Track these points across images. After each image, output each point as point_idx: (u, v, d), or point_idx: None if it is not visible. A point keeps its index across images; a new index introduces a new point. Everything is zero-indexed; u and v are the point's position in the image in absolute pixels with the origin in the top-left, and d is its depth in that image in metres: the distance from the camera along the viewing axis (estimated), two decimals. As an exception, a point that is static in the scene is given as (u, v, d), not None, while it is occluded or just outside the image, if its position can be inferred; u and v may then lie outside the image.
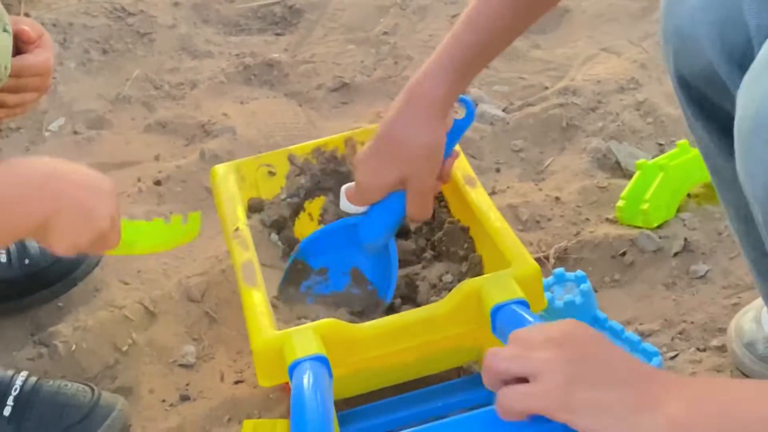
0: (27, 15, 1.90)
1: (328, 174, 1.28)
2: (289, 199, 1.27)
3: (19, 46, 1.08)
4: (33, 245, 1.32)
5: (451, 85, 1.07)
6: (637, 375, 0.70)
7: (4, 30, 0.96)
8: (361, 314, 1.13)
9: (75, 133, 1.69)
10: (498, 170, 1.52)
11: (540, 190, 1.46)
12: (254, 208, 1.26)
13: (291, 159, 1.28)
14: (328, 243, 1.18)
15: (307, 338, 0.96)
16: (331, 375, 0.94)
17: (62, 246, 0.91)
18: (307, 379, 0.89)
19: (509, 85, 1.71)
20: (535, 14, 1.10)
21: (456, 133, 1.11)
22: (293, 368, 0.93)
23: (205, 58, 1.88)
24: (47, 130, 1.70)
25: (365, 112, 1.70)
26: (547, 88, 1.68)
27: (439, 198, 1.21)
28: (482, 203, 1.11)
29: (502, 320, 0.93)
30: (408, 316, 1.01)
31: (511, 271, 1.00)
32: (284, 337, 0.97)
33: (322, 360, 0.93)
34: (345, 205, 1.14)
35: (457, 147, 1.14)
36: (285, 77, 1.82)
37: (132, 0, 2.04)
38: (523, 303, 0.94)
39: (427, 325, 1.00)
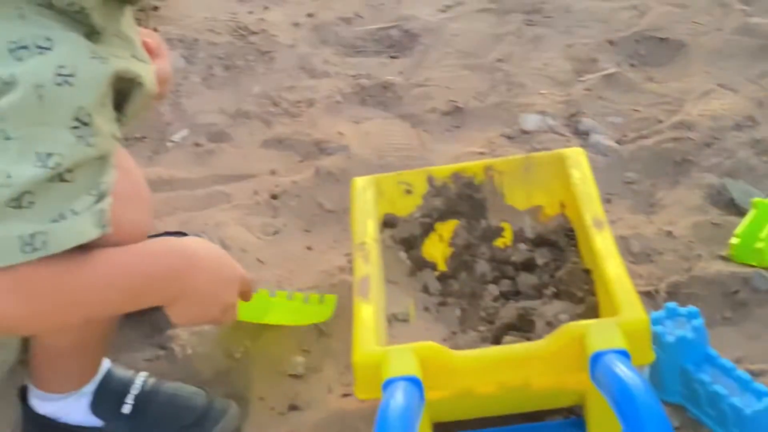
0: (156, 30, 1.97)
1: (463, 199, 1.31)
2: (422, 219, 1.30)
3: None
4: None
5: None
6: None
7: (142, 60, 1.01)
8: None
9: (196, 145, 1.75)
10: (609, 201, 1.53)
11: (651, 223, 1.46)
12: (388, 223, 1.30)
13: (429, 180, 1.31)
14: None
15: (404, 358, 0.98)
16: (423, 397, 0.95)
17: (178, 321, 1.05)
18: (396, 399, 0.92)
19: (623, 116, 1.71)
20: None
21: None
22: (386, 386, 0.95)
23: (323, 77, 1.93)
24: (170, 141, 1.77)
25: (477, 137, 1.72)
26: (661, 121, 1.68)
27: (570, 236, 1.22)
28: (605, 247, 1.10)
29: (600, 368, 0.92)
30: (507, 350, 1.02)
31: (618, 319, 0.99)
32: (383, 354, 0.99)
33: (415, 381, 0.95)
34: None
35: (589, 178, 1.14)
36: (399, 99, 1.85)
37: (255, 19, 2.10)
38: (624, 353, 0.92)
39: (525, 361, 0.99)
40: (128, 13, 1.01)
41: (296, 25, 2.10)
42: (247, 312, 1.24)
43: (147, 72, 0.99)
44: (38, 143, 0.86)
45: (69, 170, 0.88)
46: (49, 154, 0.86)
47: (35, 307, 0.90)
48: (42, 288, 0.89)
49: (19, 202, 0.85)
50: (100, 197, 0.90)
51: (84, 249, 0.90)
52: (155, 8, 2.01)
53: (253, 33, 2.05)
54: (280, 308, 1.32)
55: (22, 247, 0.86)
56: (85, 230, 0.89)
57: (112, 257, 0.94)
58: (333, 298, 1.34)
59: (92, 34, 0.92)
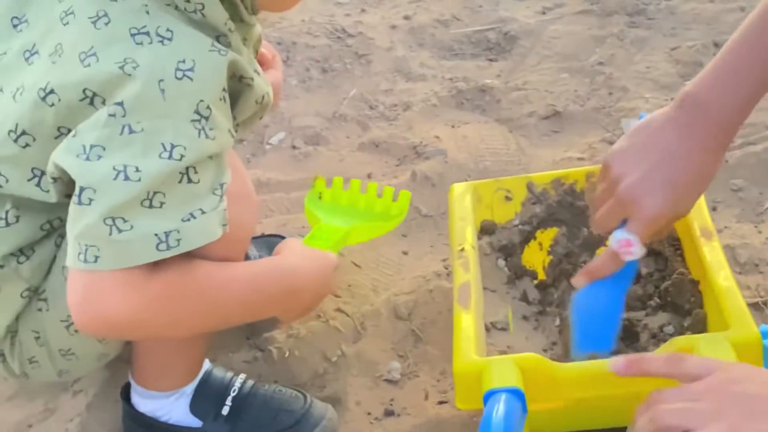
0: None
1: (564, 206, 1.28)
2: (521, 226, 1.28)
3: None
4: (253, 254, 1.38)
5: (746, 101, 0.93)
6: None
7: (257, 72, 1.03)
8: None
9: (293, 147, 1.76)
10: (715, 209, 1.48)
11: (759, 232, 1.41)
12: (486, 230, 1.28)
13: (529, 186, 1.29)
14: None
15: (506, 369, 0.97)
16: (525, 409, 0.94)
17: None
18: (497, 410, 0.91)
19: (729, 122, 1.66)
20: None
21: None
22: (488, 396, 0.94)
23: (419, 80, 1.92)
24: (268, 144, 1.78)
25: (577, 142, 1.69)
26: (771, 127, 1.63)
27: (675, 246, 1.19)
28: (714, 258, 1.07)
29: None
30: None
31: (728, 334, 0.96)
32: (485, 364, 0.98)
33: (517, 393, 0.94)
34: (635, 252, 1.01)
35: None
36: (497, 103, 1.83)
37: (352, 22, 2.11)
38: None
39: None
40: (254, 32, 1.04)
41: (393, 27, 2.10)
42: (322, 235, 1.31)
43: (259, 80, 1.01)
44: (162, 136, 0.89)
45: (194, 169, 0.90)
46: (174, 146, 0.89)
47: (178, 312, 0.95)
48: (186, 293, 0.94)
49: (151, 201, 0.88)
50: (222, 197, 0.93)
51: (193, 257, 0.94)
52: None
53: (350, 35, 2.05)
54: (355, 215, 1.37)
55: (158, 244, 0.89)
56: (213, 229, 0.92)
57: (242, 270, 1.02)
58: (407, 195, 1.39)
59: (216, 36, 0.94)
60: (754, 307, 1.27)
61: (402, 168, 1.68)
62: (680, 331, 1.09)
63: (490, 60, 1.98)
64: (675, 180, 0.95)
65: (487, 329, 1.18)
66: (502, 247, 1.28)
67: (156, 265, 0.91)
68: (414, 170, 1.62)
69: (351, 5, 2.22)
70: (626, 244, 0.99)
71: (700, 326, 1.08)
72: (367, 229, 1.38)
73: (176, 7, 0.92)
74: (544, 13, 2.09)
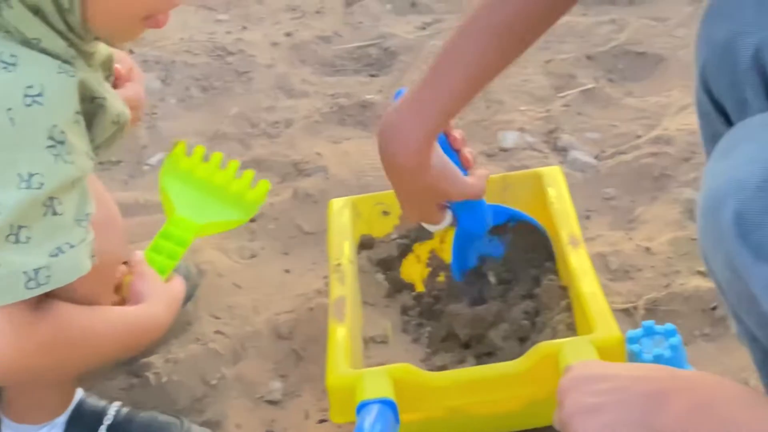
0: (131, 52, 1.97)
1: None
2: (399, 240, 1.29)
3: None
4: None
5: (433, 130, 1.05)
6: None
7: (108, 92, 1.01)
8: None
9: (173, 168, 1.74)
10: (588, 217, 1.52)
11: (630, 239, 1.45)
12: (365, 245, 1.29)
13: None
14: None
15: (378, 380, 0.98)
16: (397, 420, 0.95)
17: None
18: (369, 421, 0.91)
19: (601, 132, 1.70)
20: (519, 51, 1.10)
21: None
22: (360, 408, 0.95)
23: (301, 97, 1.92)
24: (146, 165, 1.76)
25: (456, 155, 1.71)
26: (639, 136, 1.67)
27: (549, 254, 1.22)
28: (581, 265, 1.10)
29: None
30: (482, 370, 1.02)
31: (592, 337, 0.99)
32: (357, 377, 0.99)
33: (389, 404, 0.95)
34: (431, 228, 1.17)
35: (565, 194, 1.22)
36: (378, 118, 1.84)
37: (232, 39, 2.10)
38: None
39: (501, 382, 1.00)
40: (96, 56, 1.01)
41: (274, 44, 2.10)
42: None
43: (112, 100, 0.99)
44: (17, 166, 0.87)
45: (58, 200, 0.89)
46: (31, 175, 0.87)
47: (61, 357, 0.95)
48: (70, 337, 0.94)
49: (17, 236, 0.86)
50: (88, 228, 0.92)
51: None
52: (130, 51, 1.99)
53: (231, 53, 2.04)
54: (209, 191, 1.32)
55: (27, 282, 0.87)
56: (83, 263, 0.91)
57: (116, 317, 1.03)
58: (266, 183, 1.35)
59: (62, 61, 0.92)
60: (624, 312, 1.30)
61: (284, 185, 1.67)
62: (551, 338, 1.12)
63: (372, 76, 2.00)
64: None
65: (367, 343, 1.19)
66: (381, 261, 1.29)
67: (37, 308, 0.91)
68: (296, 188, 1.62)
69: (232, 22, 2.21)
70: None
71: (568, 331, 1.11)
72: (221, 225, 1.32)
73: (14, 37, 0.90)
74: (424, 28, 2.11)
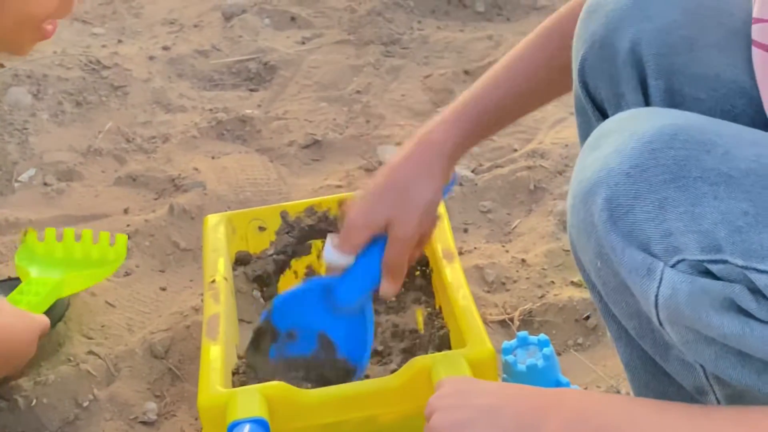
0: (1, 66, 1.90)
1: (318, 234, 1.28)
2: (275, 256, 1.27)
3: None
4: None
5: (464, 139, 1.05)
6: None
7: None
8: (329, 383, 1.10)
9: (45, 184, 1.69)
10: (466, 231, 1.54)
11: (507, 251, 1.47)
12: (241, 261, 1.27)
13: (283, 216, 1.29)
14: (299, 304, 1.12)
15: (251, 399, 0.96)
16: None
17: None
18: None
19: (479, 146, 1.72)
20: (568, 84, 1.04)
21: None
22: (232, 428, 0.93)
23: (178, 112, 1.89)
24: (17, 181, 1.70)
25: (336, 170, 1.71)
26: (515, 150, 1.70)
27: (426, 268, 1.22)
28: (455, 279, 1.11)
29: None
30: (356, 387, 1.01)
31: (464, 351, 0.99)
32: (229, 396, 0.97)
33: (262, 423, 0.93)
34: (328, 254, 1.07)
35: (442, 211, 1.14)
36: (257, 133, 1.83)
37: (108, 53, 2.05)
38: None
39: (374, 397, 0.99)
40: None
41: (151, 58, 2.06)
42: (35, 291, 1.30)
43: None
44: None
45: None
46: None
47: None
48: None
49: None
50: None
51: None
52: (0, 65, 1.93)
53: (106, 67, 2.00)
54: (71, 265, 1.36)
55: None
56: None
57: None
58: (123, 238, 1.40)
59: None
60: (501, 324, 1.32)
61: (160, 202, 1.64)
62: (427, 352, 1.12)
63: (251, 90, 1.98)
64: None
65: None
66: (257, 277, 1.28)
67: None
68: (172, 203, 1.59)
69: (107, 36, 2.16)
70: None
71: (443, 345, 1.11)
72: (82, 277, 1.36)
73: None
74: (303, 43, 2.11)
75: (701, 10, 0.88)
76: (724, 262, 0.71)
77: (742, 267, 0.71)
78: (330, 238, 1.07)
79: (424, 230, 1.07)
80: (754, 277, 0.71)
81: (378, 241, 1.05)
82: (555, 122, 1.77)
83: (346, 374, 1.09)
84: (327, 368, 1.10)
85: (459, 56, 2.01)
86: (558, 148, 1.67)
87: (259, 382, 1.05)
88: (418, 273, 1.22)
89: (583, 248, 0.80)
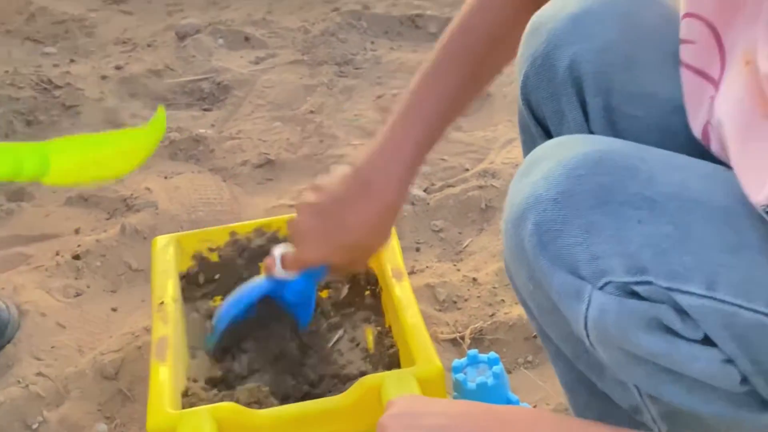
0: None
1: (267, 254, 1.28)
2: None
3: None
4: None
5: (415, 167, 1.03)
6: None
7: None
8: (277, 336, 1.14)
9: (-5, 204, 1.68)
10: (418, 249, 1.55)
11: (458, 270, 1.48)
12: (189, 281, 1.26)
13: (232, 236, 1.29)
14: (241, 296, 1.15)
15: (200, 420, 0.96)
16: None
17: None
18: None
19: (431, 165, 1.74)
20: (488, 78, 1.07)
21: None
22: None
23: (131, 132, 1.89)
24: (-34, 201, 1.69)
25: (289, 189, 1.71)
26: (467, 169, 1.72)
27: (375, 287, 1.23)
28: (404, 298, 1.11)
29: None
30: (307, 406, 1.01)
31: (414, 369, 1.00)
32: (179, 418, 0.97)
33: None
34: (275, 269, 1.08)
35: (393, 231, 1.16)
36: (211, 153, 1.83)
37: (59, 73, 2.04)
38: None
39: (326, 417, 0.99)
40: None
41: (104, 77, 2.06)
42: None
43: None
44: None
45: None
46: None
47: None
48: None
49: None
50: None
51: None
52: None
53: (58, 87, 1.99)
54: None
55: None
56: None
57: None
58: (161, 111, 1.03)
59: None
60: (452, 342, 1.33)
61: (112, 221, 1.63)
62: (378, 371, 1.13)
63: (204, 110, 1.98)
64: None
65: (196, 381, 1.16)
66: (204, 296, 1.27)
67: None
68: (124, 223, 1.59)
69: (59, 55, 2.15)
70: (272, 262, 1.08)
71: (393, 363, 1.12)
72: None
73: None
74: (257, 63, 2.12)
75: (638, 31, 0.91)
76: (650, 283, 0.73)
77: (666, 288, 0.73)
78: (276, 252, 1.08)
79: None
80: (679, 297, 0.73)
81: None
82: (506, 142, 1.79)
83: (292, 328, 1.14)
84: (273, 324, 1.14)
85: (412, 76, 1.98)
86: (509, 167, 1.69)
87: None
88: (368, 292, 1.23)
89: (517, 272, 0.81)
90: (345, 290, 1.24)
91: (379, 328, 1.19)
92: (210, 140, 1.85)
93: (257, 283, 1.13)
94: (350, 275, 1.24)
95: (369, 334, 1.20)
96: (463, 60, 1.03)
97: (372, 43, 2.16)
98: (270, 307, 1.14)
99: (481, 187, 1.65)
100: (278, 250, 1.09)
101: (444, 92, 1.04)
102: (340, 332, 1.22)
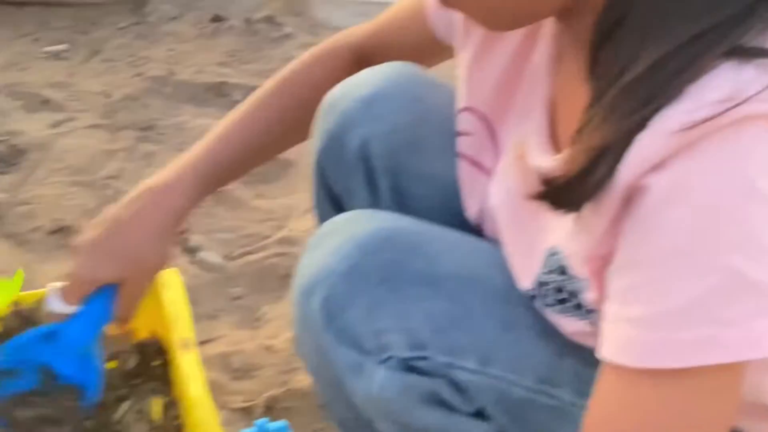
0: None
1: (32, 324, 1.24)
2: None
3: None
4: None
5: (195, 199, 1.03)
6: None
7: None
8: (59, 421, 1.08)
9: None
10: (215, 317, 1.54)
11: (254, 338, 1.48)
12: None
13: (16, 306, 1.23)
14: (20, 348, 1.08)
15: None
16: None
17: None
18: None
19: (231, 232, 1.74)
20: (293, 141, 1.10)
21: None
22: None
23: None
24: None
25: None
26: (267, 237, 1.73)
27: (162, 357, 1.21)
28: (189, 370, 1.10)
29: None
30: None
31: None
32: None
33: None
34: (52, 302, 1.04)
35: (182, 298, 1.14)
36: (2, 218, 1.76)
37: None
38: None
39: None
40: None
41: None
42: None
43: None
44: None
45: None
46: None
47: None
48: None
49: None
50: None
51: None
52: None
53: None
54: None
55: None
56: None
57: None
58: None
59: None
60: (244, 411, 1.32)
61: None
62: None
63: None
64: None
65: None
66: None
67: None
68: None
69: None
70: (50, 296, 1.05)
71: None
72: None
73: None
74: (55, 126, 2.07)
75: (426, 115, 0.95)
76: (428, 358, 0.76)
77: (443, 363, 0.76)
78: (51, 288, 1.05)
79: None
80: (455, 372, 0.76)
81: (105, 288, 1.04)
82: (306, 210, 1.81)
83: (75, 400, 1.08)
84: (54, 397, 1.08)
85: (215, 143, 2.02)
86: (308, 236, 1.69)
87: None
88: (156, 362, 1.21)
89: (304, 343, 0.83)
90: (133, 361, 1.22)
91: (166, 399, 1.17)
92: (2, 205, 1.79)
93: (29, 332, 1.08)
94: (139, 346, 1.22)
95: (156, 406, 1.18)
96: (272, 115, 1.06)
97: (176, 109, 2.15)
98: (51, 379, 1.10)
99: (280, 254, 1.66)
100: (56, 284, 1.05)
101: (244, 140, 1.06)
102: (127, 404, 1.19)
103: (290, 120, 1.06)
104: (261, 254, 1.67)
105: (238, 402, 1.33)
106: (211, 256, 1.66)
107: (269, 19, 2.53)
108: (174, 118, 2.10)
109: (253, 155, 1.08)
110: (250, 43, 2.44)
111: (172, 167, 1.04)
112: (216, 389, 1.33)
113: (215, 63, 2.33)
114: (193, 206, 1.04)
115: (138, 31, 2.50)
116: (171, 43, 2.44)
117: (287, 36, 2.47)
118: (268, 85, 1.08)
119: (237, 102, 2.17)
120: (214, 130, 1.06)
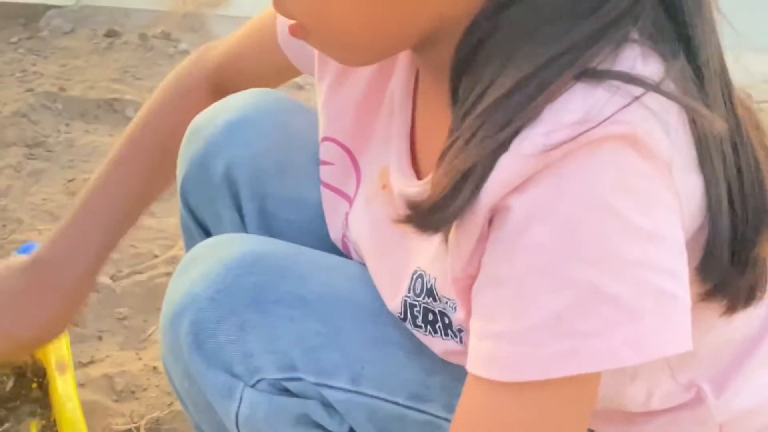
0: None
1: None
2: None
3: None
4: None
5: (94, 265, 1.04)
6: None
7: None
8: None
9: None
10: (100, 338, 1.52)
11: (140, 359, 1.47)
12: None
13: None
14: None
15: None
16: None
17: None
18: None
19: (119, 252, 1.72)
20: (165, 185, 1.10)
21: None
22: None
23: None
24: None
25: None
26: (156, 256, 1.71)
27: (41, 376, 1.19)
28: (64, 392, 1.09)
29: None
30: None
31: None
32: None
33: None
34: None
35: None
36: None
37: None
38: None
39: None
40: None
41: None
42: None
43: None
44: None
45: None
46: None
47: None
48: None
49: None
50: None
51: None
52: None
53: None
54: None
55: None
56: None
57: None
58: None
59: None
60: (128, 433, 1.31)
61: None
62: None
63: None
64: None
65: None
66: None
67: None
68: None
69: None
70: None
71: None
72: None
73: None
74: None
75: (291, 139, 0.96)
76: (300, 379, 0.77)
77: (315, 384, 0.77)
78: None
79: None
80: (326, 392, 0.77)
81: None
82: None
83: None
84: None
85: (105, 159, 1.99)
86: (198, 254, 1.70)
87: None
88: (34, 385, 1.19)
89: (173, 369, 0.83)
90: (10, 383, 1.20)
91: (44, 422, 1.15)
92: None
93: None
94: (17, 368, 1.20)
95: (34, 428, 1.17)
96: (147, 153, 1.06)
97: (67, 125, 2.12)
98: None
99: (169, 274, 1.64)
100: None
101: (130, 183, 1.06)
102: (5, 427, 1.17)
103: (158, 168, 1.06)
104: (149, 273, 1.65)
105: (121, 424, 1.32)
106: (97, 276, 1.64)
107: (165, 35, 2.52)
108: (64, 135, 2.07)
109: (142, 196, 1.11)
110: (144, 59, 2.42)
111: (67, 228, 1.05)
112: (99, 411, 1.32)
113: (108, 79, 2.31)
114: (101, 264, 1.06)
115: (30, 46, 2.46)
116: (64, 58, 2.40)
117: (182, 52, 2.46)
118: (137, 119, 1.07)
119: (129, 118, 2.16)
120: (96, 179, 1.09)
